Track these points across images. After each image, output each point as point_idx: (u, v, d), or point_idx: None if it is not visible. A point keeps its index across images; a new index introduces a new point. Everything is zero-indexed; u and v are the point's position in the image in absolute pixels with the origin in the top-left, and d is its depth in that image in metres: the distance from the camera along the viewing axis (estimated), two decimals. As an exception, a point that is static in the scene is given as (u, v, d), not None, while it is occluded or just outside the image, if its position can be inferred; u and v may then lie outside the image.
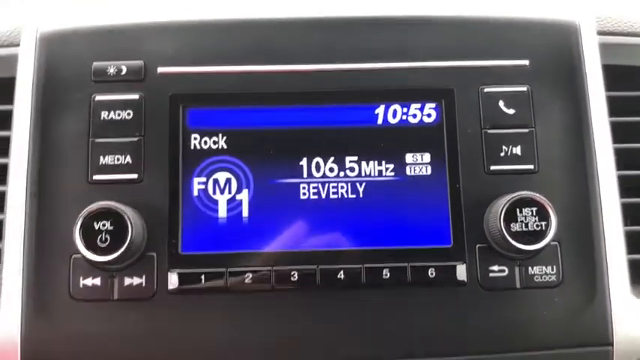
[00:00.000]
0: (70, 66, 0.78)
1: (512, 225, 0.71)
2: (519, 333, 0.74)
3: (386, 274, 0.73)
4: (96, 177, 0.75)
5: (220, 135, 0.77)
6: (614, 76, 0.83)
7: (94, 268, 0.73)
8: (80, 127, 0.77)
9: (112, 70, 0.78)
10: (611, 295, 0.75)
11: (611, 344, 0.74)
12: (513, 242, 0.71)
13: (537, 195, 0.72)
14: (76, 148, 0.76)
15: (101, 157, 0.76)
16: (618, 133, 0.81)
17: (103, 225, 0.70)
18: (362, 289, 0.74)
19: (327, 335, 0.74)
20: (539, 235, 0.71)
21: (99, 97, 0.77)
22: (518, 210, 0.71)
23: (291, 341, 0.74)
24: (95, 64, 0.78)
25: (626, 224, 0.79)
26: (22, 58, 0.80)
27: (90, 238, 0.70)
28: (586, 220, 0.76)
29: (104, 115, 0.77)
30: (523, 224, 0.71)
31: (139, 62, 0.78)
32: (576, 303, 0.75)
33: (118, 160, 0.76)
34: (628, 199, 0.80)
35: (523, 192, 0.72)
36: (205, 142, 0.77)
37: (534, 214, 0.71)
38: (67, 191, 0.75)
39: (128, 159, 0.76)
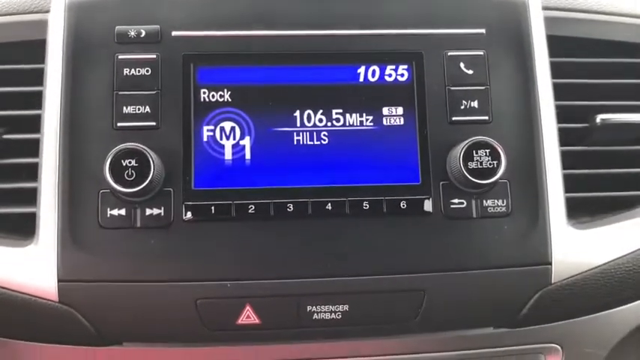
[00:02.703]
0: (96, 30, 0.87)
1: (469, 164, 0.82)
2: (475, 254, 0.85)
3: (366, 206, 0.84)
4: (120, 124, 0.84)
5: (226, 90, 0.86)
6: (557, 44, 0.94)
7: (119, 201, 0.82)
8: (106, 81, 0.85)
9: (132, 33, 0.86)
10: (551, 224, 0.86)
11: (550, 263, 0.86)
12: (471, 177, 0.82)
13: (490, 139, 0.83)
14: (103, 99, 0.85)
15: (124, 107, 0.84)
16: (560, 92, 0.92)
17: (129, 162, 0.79)
18: (346, 218, 0.84)
19: (317, 253, 0.84)
20: (491, 171, 0.82)
21: (121, 56, 0.86)
22: (474, 152, 0.82)
23: (287, 257, 0.84)
24: (117, 27, 0.86)
25: (564, 168, 0.89)
26: (52, 23, 0.88)
27: (118, 173, 0.79)
28: (531, 162, 0.88)
29: (126, 71, 0.85)
30: (478, 163, 0.82)
31: (156, 26, 0.86)
32: (522, 230, 0.86)
33: (139, 109, 0.84)
34: (566, 147, 0.91)
35: (478, 137, 0.84)
36: (213, 96, 0.86)
37: (487, 154, 0.82)
38: (95, 136, 0.84)
39: (147, 109, 0.85)
